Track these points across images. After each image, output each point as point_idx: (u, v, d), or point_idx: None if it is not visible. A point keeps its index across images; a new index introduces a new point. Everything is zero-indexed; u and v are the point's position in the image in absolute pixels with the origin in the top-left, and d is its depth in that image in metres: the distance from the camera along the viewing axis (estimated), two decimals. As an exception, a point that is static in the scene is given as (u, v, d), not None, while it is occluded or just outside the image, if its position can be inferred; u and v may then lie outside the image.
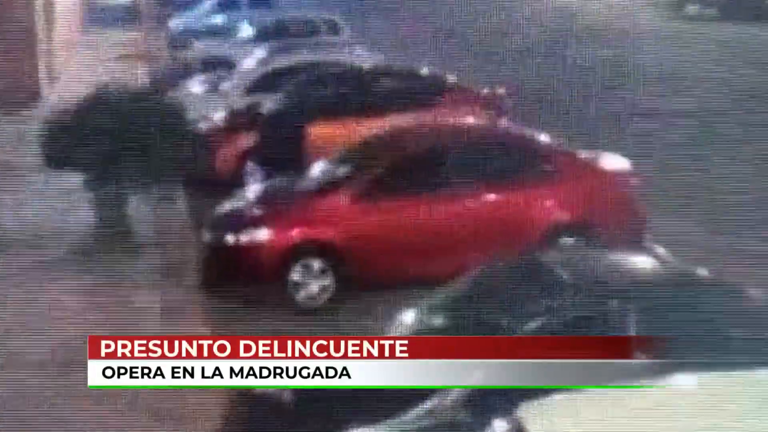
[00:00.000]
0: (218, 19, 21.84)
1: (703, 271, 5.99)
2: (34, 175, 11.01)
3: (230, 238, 8.44)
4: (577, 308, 5.45)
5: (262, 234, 8.38)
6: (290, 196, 8.93)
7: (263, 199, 9.18)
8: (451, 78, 12.87)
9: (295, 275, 8.27)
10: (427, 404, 5.11)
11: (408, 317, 5.99)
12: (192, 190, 10.79)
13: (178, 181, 10.26)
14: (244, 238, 8.39)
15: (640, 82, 17.57)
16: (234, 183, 10.37)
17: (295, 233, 8.36)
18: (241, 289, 8.33)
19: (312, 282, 8.31)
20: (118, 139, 9.32)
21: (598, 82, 17.66)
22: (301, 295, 8.28)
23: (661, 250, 6.34)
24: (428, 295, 6.22)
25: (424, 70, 12.94)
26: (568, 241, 8.49)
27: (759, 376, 5.10)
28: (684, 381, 5.11)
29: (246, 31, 18.72)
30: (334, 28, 18.43)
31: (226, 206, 9.10)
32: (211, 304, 8.16)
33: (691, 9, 27.72)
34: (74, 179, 9.95)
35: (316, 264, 8.31)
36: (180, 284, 8.55)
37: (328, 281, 8.32)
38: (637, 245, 7.70)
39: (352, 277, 8.29)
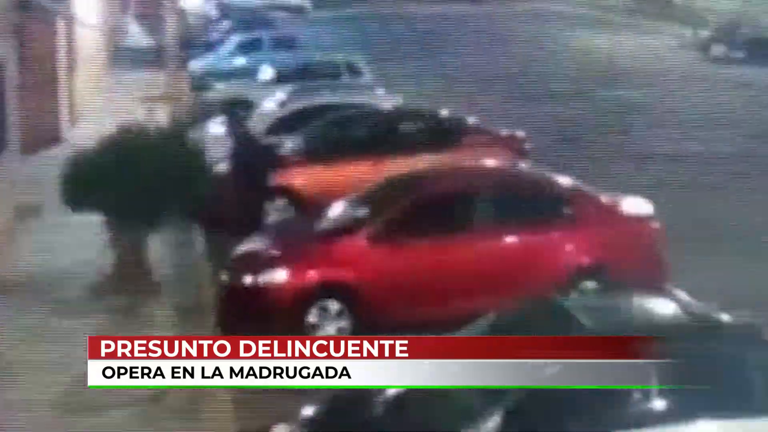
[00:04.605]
0: (240, 61, 22.06)
1: (724, 316, 5.93)
2: (54, 216, 11.07)
3: (248, 279, 8.42)
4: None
5: (280, 275, 8.36)
6: (308, 238, 8.91)
7: (281, 241, 9.17)
8: (471, 120, 12.90)
9: (312, 317, 8.23)
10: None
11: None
12: (210, 231, 10.80)
13: (197, 222, 10.26)
14: (262, 279, 8.37)
15: (667, 125, 17.55)
16: (252, 224, 10.35)
17: (313, 275, 8.34)
18: (257, 330, 8.26)
19: (329, 324, 8.26)
20: (137, 181, 9.36)
21: (625, 124, 17.66)
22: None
23: (682, 294, 6.24)
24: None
25: (444, 112, 12.97)
26: (588, 284, 8.40)
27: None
28: (706, 428, 5.05)
29: (267, 73, 18.89)
30: (355, 71, 18.55)
31: (244, 247, 9.09)
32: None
33: (718, 51, 27.86)
34: (94, 220, 10.00)
35: (333, 306, 8.27)
36: (197, 325, 8.50)
37: (344, 323, 8.27)
38: (658, 289, 7.59)
39: (369, 320, 8.23)
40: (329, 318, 8.27)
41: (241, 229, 9.66)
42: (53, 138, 15.49)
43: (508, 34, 31.12)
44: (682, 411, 5.13)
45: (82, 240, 10.43)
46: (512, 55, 27.19)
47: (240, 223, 10.22)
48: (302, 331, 8.17)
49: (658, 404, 5.13)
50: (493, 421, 5.01)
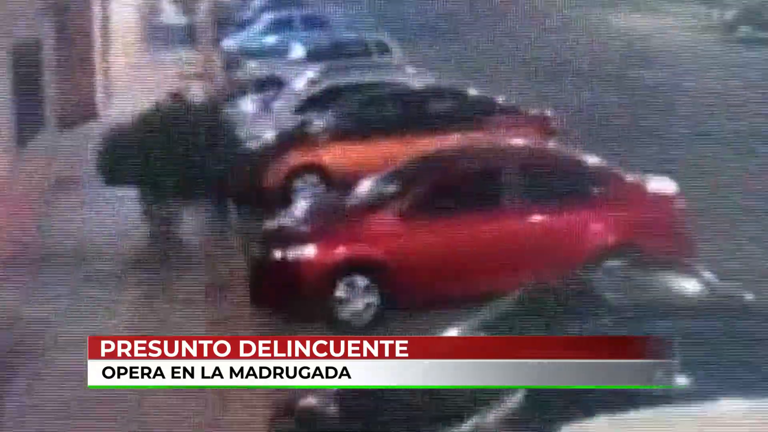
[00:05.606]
0: (271, 40, 22.20)
1: (749, 296, 5.94)
2: (90, 190, 11.30)
3: (277, 254, 8.56)
4: (619, 330, 5.42)
5: (309, 250, 8.47)
6: (337, 213, 9.04)
7: (310, 216, 9.31)
8: (500, 99, 12.95)
9: (340, 292, 8.34)
10: (468, 424, 5.14)
11: (451, 335, 6.01)
12: (242, 206, 10.98)
13: (228, 197, 10.44)
14: (291, 254, 8.49)
15: (694, 105, 17.46)
16: (283, 199, 10.51)
17: (341, 250, 8.44)
18: (286, 304, 8.43)
19: (357, 299, 8.37)
20: (171, 156, 9.55)
21: (653, 104, 17.59)
22: (345, 311, 8.35)
23: (707, 273, 6.27)
24: (471, 314, 6.25)
25: (474, 91, 13.02)
26: (614, 263, 8.45)
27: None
28: (730, 407, 5.09)
29: (298, 51, 19.00)
30: (384, 49, 18.61)
31: (274, 222, 9.24)
32: (258, 319, 8.28)
33: (744, 31, 27.76)
34: (129, 194, 10.20)
35: (361, 281, 8.39)
36: (228, 299, 8.68)
37: (372, 299, 8.37)
38: (683, 268, 7.64)
39: (397, 295, 8.33)
40: (357, 293, 8.38)
41: (272, 205, 9.82)
42: (89, 114, 15.77)
43: (535, 16, 30.97)
44: (705, 390, 5.14)
45: (117, 213, 10.65)
46: (539, 36, 27.10)
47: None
48: (330, 305, 8.34)
49: (682, 382, 5.10)
50: (515, 398, 5.04)
